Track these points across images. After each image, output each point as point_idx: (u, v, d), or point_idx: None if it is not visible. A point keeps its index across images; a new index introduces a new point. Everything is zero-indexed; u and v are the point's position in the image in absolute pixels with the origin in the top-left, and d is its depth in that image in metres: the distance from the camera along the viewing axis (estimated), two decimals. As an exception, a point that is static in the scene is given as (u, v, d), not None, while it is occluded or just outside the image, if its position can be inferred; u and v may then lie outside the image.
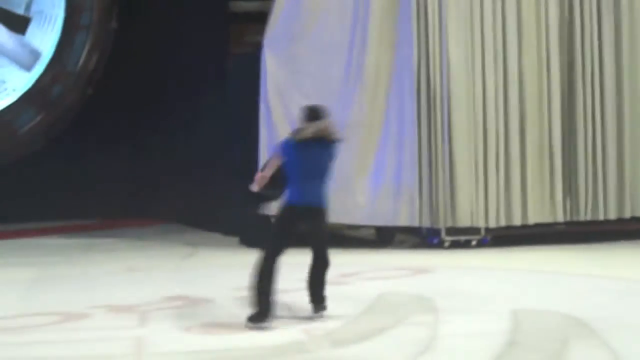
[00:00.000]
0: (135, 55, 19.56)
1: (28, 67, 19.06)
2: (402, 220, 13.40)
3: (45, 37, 19.23)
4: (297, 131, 8.36)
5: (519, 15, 13.65)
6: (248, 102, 14.12)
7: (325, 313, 8.26)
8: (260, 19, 14.07)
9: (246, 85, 14.36)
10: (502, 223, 13.52)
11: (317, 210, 8.24)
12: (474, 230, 13.47)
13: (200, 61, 17.70)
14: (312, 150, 8.18)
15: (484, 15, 13.53)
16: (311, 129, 8.20)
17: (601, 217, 13.88)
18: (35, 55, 19.10)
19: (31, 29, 19.22)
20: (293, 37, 13.68)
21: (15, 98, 19.03)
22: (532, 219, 13.63)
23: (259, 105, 13.67)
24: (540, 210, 13.68)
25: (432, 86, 13.37)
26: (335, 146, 8.34)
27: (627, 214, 13.99)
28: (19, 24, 19.11)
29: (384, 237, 14.32)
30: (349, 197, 13.19)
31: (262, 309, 7.97)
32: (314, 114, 8.36)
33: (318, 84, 13.40)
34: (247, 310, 8.48)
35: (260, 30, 13.85)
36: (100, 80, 19.50)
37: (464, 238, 13.47)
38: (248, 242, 14.25)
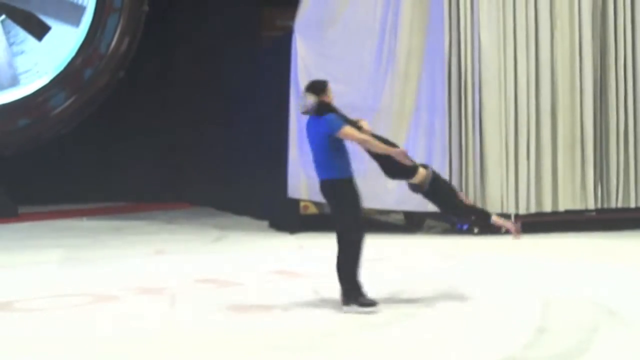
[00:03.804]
0: (166, 38, 19.63)
1: (2, 87, 19.14)
2: (432, 206, 13.33)
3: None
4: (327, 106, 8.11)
5: (551, 1, 13.57)
6: (278, 87, 14.14)
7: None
8: (291, 3, 14.06)
9: (277, 70, 14.37)
10: (533, 210, 13.48)
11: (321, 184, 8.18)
12: (504, 217, 13.40)
13: (232, 45, 17.73)
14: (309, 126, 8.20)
15: (516, 0, 13.47)
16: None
17: (632, 205, 13.81)
18: (15, 81, 19.21)
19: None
20: (324, 21, 13.67)
21: (48, 80, 19.16)
22: (563, 206, 13.58)
23: (289, 90, 13.67)
24: (571, 198, 13.62)
25: (463, 72, 13.32)
26: (316, 120, 8.08)
27: (659, 202, 13.92)
28: (38, 30, 19.24)
29: (413, 223, 14.32)
30: (379, 182, 13.15)
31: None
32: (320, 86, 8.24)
33: (348, 68, 13.39)
34: (276, 293, 8.56)
35: (292, 15, 13.85)
36: (132, 62, 19.58)
37: (494, 224, 13.42)
38: (277, 225, 14.31)
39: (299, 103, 8.28)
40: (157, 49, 19.61)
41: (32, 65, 19.30)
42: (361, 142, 8.05)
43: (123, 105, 19.75)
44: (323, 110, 8.01)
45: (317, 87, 8.18)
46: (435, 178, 8.36)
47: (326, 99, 8.12)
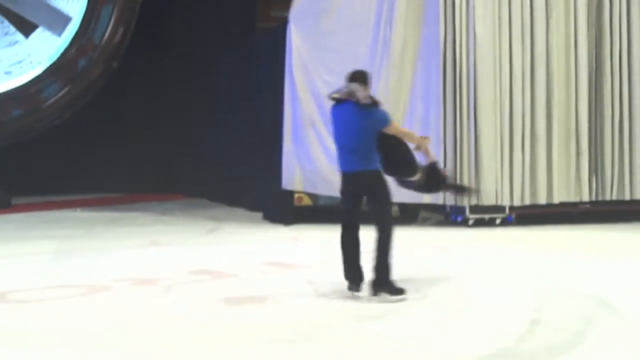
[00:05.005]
0: (161, 28, 19.59)
1: None
2: (426, 198, 13.35)
3: (71, 10, 19.30)
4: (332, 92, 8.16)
5: (546, -8, 13.58)
6: (273, 78, 14.11)
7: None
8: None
9: (271, 61, 14.35)
10: (527, 202, 13.49)
11: (359, 175, 8.06)
12: (498, 209, 13.44)
13: (227, 36, 17.70)
14: (343, 113, 8.03)
15: (511, -9, 13.47)
16: (344, 91, 7.97)
17: (627, 197, 13.82)
18: None
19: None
20: (319, 12, 13.65)
21: (41, 70, 19.12)
22: (558, 198, 13.58)
23: (283, 80, 13.65)
24: (566, 190, 13.63)
25: (458, 64, 13.31)
26: (369, 112, 7.91)
27: (654, 194, 13.93)
28: (26, 27, 19.27)
29: (407, 214, 14.31)
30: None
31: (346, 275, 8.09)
32: (351, 76, 8.01)
33: (343, 59, 13.33)
34: (270, 284, 8.55)
35: (287, 6, 13.83)
36: (126, 53, 19.54)
37: (488, 216, 13.44)
38: (271, 217, 14.30)
39: (341, 90, 8.03)
40: (151, 40, 19.56)
41: (26, 56, 19.25)
42: (404, 135, 8.33)
43: (117, 96, 19.71)
44: (377, 103, 8.00)
45: (367, 78, 7.98)
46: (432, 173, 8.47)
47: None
